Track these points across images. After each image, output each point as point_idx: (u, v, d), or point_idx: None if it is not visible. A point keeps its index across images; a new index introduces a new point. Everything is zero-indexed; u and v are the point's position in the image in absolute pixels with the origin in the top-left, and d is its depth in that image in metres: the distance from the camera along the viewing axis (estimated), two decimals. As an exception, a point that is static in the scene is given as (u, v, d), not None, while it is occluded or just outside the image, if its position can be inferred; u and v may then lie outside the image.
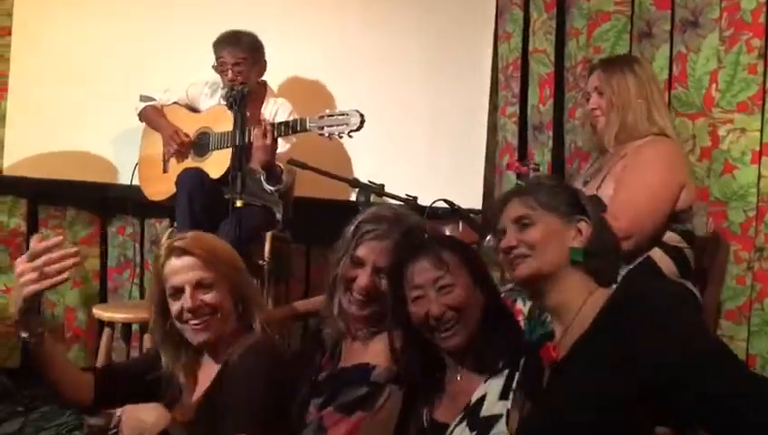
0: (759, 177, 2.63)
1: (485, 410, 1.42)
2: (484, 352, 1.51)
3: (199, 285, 1.63)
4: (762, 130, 2.63)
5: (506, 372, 1.45)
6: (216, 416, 1.56)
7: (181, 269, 1.64)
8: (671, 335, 1.18)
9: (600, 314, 1.28)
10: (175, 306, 1.65)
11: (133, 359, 1.81)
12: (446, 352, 1.56)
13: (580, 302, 1.32)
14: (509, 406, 1.40)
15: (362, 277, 1.68)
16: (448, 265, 1.52)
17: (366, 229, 1.72)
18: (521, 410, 1.37)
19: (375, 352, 1.66)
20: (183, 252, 1.65)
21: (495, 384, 1.45)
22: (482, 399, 1.45)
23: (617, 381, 1.18)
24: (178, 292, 1.64)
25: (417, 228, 1.74)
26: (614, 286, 1.39)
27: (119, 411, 1.53)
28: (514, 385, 1.41)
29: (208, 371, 1.69)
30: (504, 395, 1.42)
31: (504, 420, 1.39)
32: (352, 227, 1.76)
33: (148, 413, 1.49)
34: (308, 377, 1.74)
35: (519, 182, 2.27)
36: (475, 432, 1.41)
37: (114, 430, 1.50)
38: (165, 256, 1.67)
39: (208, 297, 1.63)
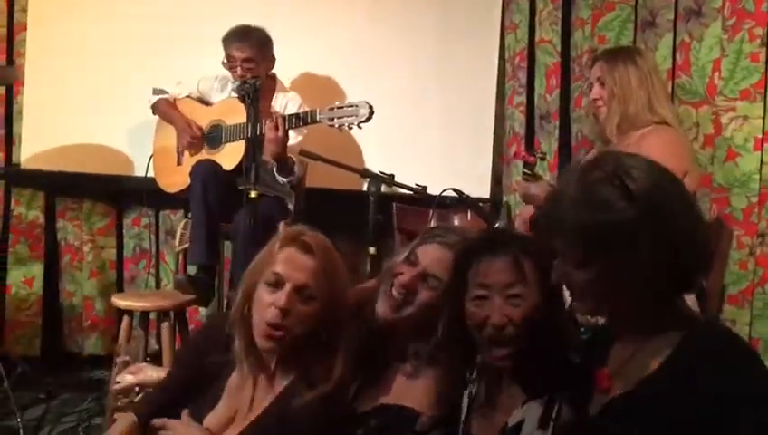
0: (761, 163, 2.68)
1: None
2: (530, 370, 1.35)
3: (301, 291, 1.46)
4: (764, 118, 2.68)
5: (547, 397, 1.31)
6: None
7: (295, 264, 1.47)
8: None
9: (672, 362, 1.12)
10: (265, 297, 1.47)
11: (171, 378, 1.66)
12: (491, 366, 1.40)
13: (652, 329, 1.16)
14: None
15: (407, 275, 1.58)
16: (525, 274, 1.34)
17: (436, 233, 1.65)
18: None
19: (420, 393, 1.55)
20: (308, 249, 1.49)
21: (534, 409, 1.31)
22: (520, 424, 1.32)
23: None
24: (279, 283, 1.47)
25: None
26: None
27: (149, 374, 1.60)
28: (554, 414, 1.29)
29: (265, 385, 1.53)
30: (542, 424, 1.29)
31: None
32: (424, 231, 1.70)
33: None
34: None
35: (526, 171, 2.32)
36: None
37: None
38: (287, 240, 1.51)
39: (303, 309, 1.46)
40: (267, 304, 1.46)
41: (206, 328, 1.88)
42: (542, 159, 2.62)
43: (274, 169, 2.80)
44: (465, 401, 1.44)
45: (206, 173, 2.84)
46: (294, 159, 2.80)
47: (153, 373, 1.71)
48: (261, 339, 1.47)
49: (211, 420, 1.50)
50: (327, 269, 1.49)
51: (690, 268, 1.17)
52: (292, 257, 1.48)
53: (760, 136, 2.69)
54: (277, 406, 1.49)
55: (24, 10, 3.45)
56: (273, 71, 3.09)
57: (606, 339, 1.27)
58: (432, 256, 1.58)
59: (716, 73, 2.77)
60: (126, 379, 1.60)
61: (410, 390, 1.58)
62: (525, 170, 2.33)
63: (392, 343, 1.63)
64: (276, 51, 3.03)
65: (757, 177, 2.69)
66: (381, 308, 1.61)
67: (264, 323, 1.46)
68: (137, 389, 1.64)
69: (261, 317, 1.47)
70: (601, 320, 1.88)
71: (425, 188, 2.43)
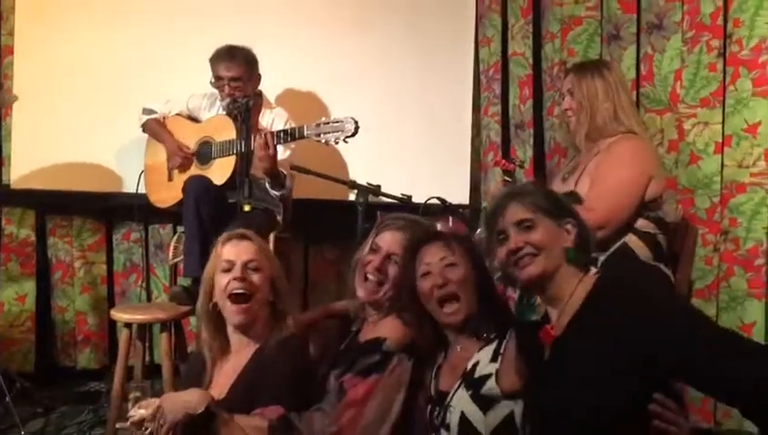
0: (722, 166, 2.84)
1: (478, 372, 1.68)
2: (479, 325, 1.76)
3: (249, 265, 1.90)
4: (723, 123, 2.85)
5: (496, 340, 1.73)
6: (251, 392, 1.77)
7: (238, 249, 1.93)
8: (655, 309, 1.40)
9: (590, 297, 1.51)
10: (223, 280, 1.89)
11: None
12: (447, 327, 1.80)
13: (571, 289, 1.54)
14: (497, 366, 1.66)
15: (376, 260, 1.98)
16: (455, 249, 1.80)
17: (387, 222, 2.05)
18: (519, 374, 1.62)
19: (386, 329, 1.91)
20: (242, 237, 1.96)
21: (486, 350, 1.72)
22: (476, 364, 1.71)
23: (615, 353, 1.39)
24: (230, 267, 1.89)
25: (431, 227, 2.06)
26: (593, 270, 1.60)
27: (158, 401, 1.70)
28: (502, 349, 1.69)
29: (241, 355, 1.90)
30: (494, 358, 1.69)
31: (493, 377, 1.65)
32: (376, 224, 2.09)
33: (190, 395, 1.67)
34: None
35: (506, 178, 2.46)
36: (470, 391, 1.67)
37: (153, 422, 1.66)
38: (225, 239, 1.97)
39: (255, 277, 1.90)
40: (226, 283, 1.87)
41: (189, 362, 2.21)
42: (521, 166, 2.76)
43: (267, 184, 2.90)
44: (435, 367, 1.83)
45: (199, 189, 2.91)
46: (285, 172, 2.91)
47: None
48: (232, 316, 1.88)
49: None
50: (260, 247, 1.95)
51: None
52: (234, 246, 1.94)
53: (720, 140, 2.85)
54: (251, 363, 1.85)
55: (11, 34, 3.49)
56: (260, 88, 3.20)
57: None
58: (390, 239, 1.99)
59: (678, 83, 2.94)
60: (139, 413, 1.69)
61: (379, 327, 1.95)
62: (506, 177, 2.47)
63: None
64: (262, 68, 3.13)
65: (718, 178, 2.85)
66: (362, 293, 2.00)
67: (229, 303, 1.87)
68: (148, 423, 1.71)
69: (225, 296, 1.88)
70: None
71: (410, 197, 2.57)
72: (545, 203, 1.60)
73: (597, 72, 2.42)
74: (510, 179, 2.43)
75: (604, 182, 2.27)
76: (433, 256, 1.79)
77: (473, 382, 1.69)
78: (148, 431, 1.72)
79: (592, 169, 2.33)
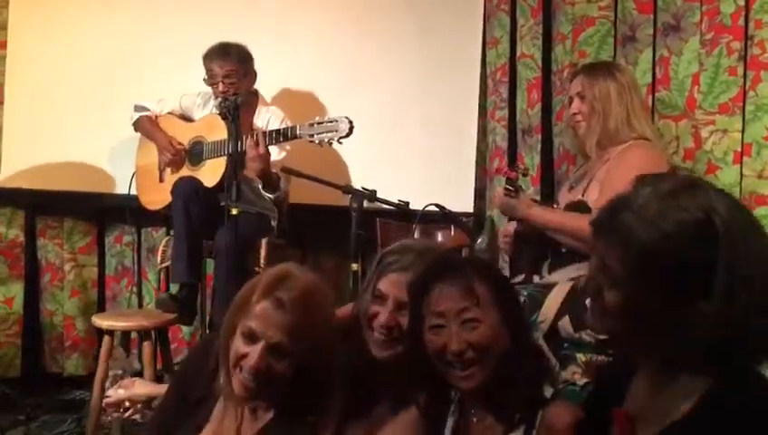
0: (741, 176, 2.69)
1: None
2: (503, 398, 1.34)
3: (275, 349, 1.43)
4: (743, 131, 2.69)
5: (523, 427, 1.31)
6: None
7: (269, 320, 1.43)
8: None
9: (706, 406, 1.02)
10: (240, 348, 1.44)
11: (166, 398, 1.66)
12: (460, 392, 1.40)
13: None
14: None
15: (383, 314, 1.56)
16: (479, 297, 1.34)
17: (389, 261, 1.60)
18: None
19: (401, 429, 1.49)
20: (282, 306, 1.43)
21: None
22: None
23: None
24: (252, 338, 1.44)
25: (448, 254, 1.68)
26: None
27: (139, 389, 1.60)
28: None
29: (251, 418, 1.52)
30: None
31: None
32: (377, 259, 1.65)
33: None
34: None
35: (508, 187, 2.32)
36: None
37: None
38: (263, 292, 1.45)
39: (276, 366, 1.43)
40: (241, 356, 1.43)
41: (198, 350, 1.82)
42: (525, 174, 2.62)
43: (260, 186, 2.79)
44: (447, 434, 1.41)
45: (188, 191, 2.82)
46: (279, 174, 2.79)
47: (144, 389, 1.71)
48: (239, 386, 1.45)
49: None
50: (302, 327, 1.43)
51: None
52: (267, 314, 1.43)
53: (739, 149, 2.69)
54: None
55: (4, 28, 3.42)
56: (256, 87, 3.09)
57: (614, 377, 1.20)
58: (396, 284, 1.56)
59: (695, 87, 2.79)
60: (117, 393, 1.58)
61: (394, 425, 1.51)
62: (507, 185, 2.33)
63: (385, 379, 1.59)
64: (260, 67, 3.03)
65: (737, 189, 2.68)
66: (376, 351, 1.59)
67: (239, 373, 1.44)
68: (127, 404, 1.63)
69: (234, 369, 1.45)
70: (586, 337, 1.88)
71: (407, 203, 2.44)
72: None
73: (609, 73, 2.29)
74: (512, 188, 2.29)
75: (614, 191, 2.11)
76: (448, 305, 1.34)
77: None
78: (127, 414, 1.61)
79: (602, 176, 2.19)
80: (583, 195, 2.22)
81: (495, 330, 1.33)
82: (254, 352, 1.42)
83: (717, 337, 1.00)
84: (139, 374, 2.82)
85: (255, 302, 1.45)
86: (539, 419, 1.29)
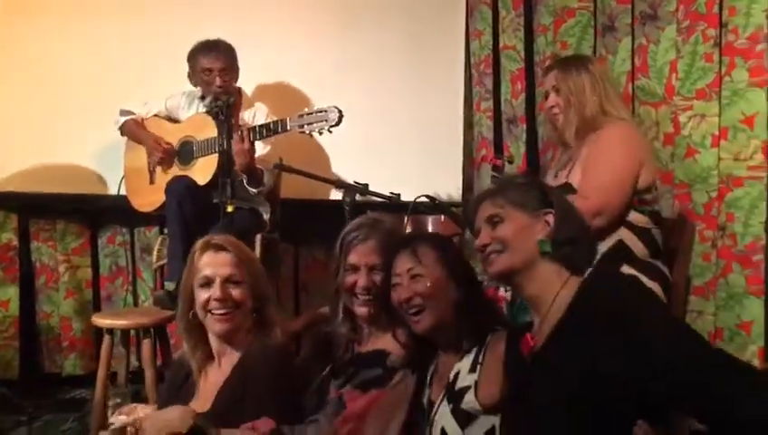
0: (719, 159, 2.77)
1: (459, 383, 1.60)
2: (456, 336, 1.67)
3: (229, 280, 1.79)
4: (719, 116, 2.77)
5: (474, 349, 1.64)
6: (236, 402, 1.70)
7: (215, 262, 1.81)
8: (642, 331, 1.25)
9: (573, 304, 1.36)
10: (203, 296, 1.79)
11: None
12: (417, 335, 1.71)
13: (555, 291, 1.40)
14: (476, 378, 1.58)
15: (361, 279, 1.90)
16: (421, 258, 1.69)
17: (350, 238, 1.94)
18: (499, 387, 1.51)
19: (391, 341, 1.82)
20: (219, 248, 1.83)
21: (466, 360, 1.63)
22: (457, 374, 1.63)
23: (590, 376, 1.26)
24: (209, 282, 1.79)
25: (394, 229, 2.00)
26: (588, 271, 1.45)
27: (141, 413, 1.65)
28: (480, 359, 1.61)
29: (224, 364, 1.83)
30: (472, 369, 1.61)
31: (472, 390, 1.56)
32: (339, 241, 1.97)
33: (172, 413, 1.59)
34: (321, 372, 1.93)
35: (494, 174, 2.39)
36: (451, 405, 1.60)
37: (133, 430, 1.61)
38: (201, 249, 1.84)
39: (236, 293, 1.79)
40: (206, 299, 1.78)
41: (172, 368, 2.07)
42: (510, 162, 2.69)
43: (244, 181, 2.82)
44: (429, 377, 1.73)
45: (181, 190, 2.85)
46: (263, 169, 2.83)
47: (146, 413, 1.75)
48: (214, 324, 1.79)
49: None
50: (240, 257, 1.83)
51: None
52: (211, 258, 1.82)
53: (716, 133, 2.77)
54: (234, 373, 1.77)
55: (-8, 32, 3.42)
56: (246, 82, 3.12)
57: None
58: (362, 253, 1.91)
59: (673, 74, 2.86)
60: (119, 419, 1.64)
61: (383, 339, 1.87)
62: (494, 173, 2.40)
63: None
64: (248, 64, 3.06)
65: (716, 172, 2.77)
66: (362, 312, 1.91)
67: (210, 314, 1.78)
68: (130, 429, 1.68)
69: (206, 313, 1.79)
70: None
71: (398, 195, 2.50)
72: (517, 196, 1.49)
73: (582, 65, 2.38)
74: (498, 175, 2.37)
75: (595, 169, 2.23)
76: (401, 267, 1.71)
77: (453, 395, 1.60)
78: None
79: (583, 158, 2.29)
80: (567, 177, 2.30)
81: (441, 283, 1.67)
82: (215, 290, 1.77)
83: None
84: (140, 373, 2.88)
85: (198, 258, 1.83)
86: (487, 341, 1.62)
